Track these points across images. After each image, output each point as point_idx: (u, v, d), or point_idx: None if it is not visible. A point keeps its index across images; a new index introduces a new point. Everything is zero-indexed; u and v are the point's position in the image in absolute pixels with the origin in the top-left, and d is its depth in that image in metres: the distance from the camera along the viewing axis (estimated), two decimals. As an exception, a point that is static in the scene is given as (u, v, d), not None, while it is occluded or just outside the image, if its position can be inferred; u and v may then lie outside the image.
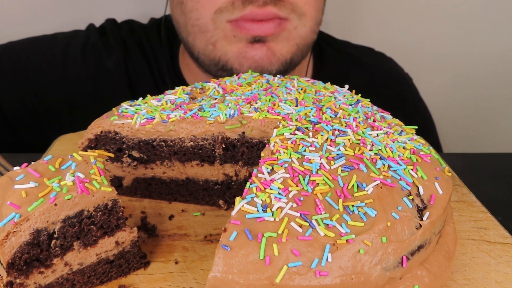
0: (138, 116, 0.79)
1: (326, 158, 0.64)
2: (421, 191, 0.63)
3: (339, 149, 0.66)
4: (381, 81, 1.38)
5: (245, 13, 1.05)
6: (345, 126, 0.72)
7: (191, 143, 0.79)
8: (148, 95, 0.86)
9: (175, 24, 1.22)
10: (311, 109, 0.75)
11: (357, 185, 0.60)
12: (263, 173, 0.62)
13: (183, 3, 1.13)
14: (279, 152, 0.66)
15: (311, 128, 0.71)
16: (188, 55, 1.23)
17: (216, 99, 0.82)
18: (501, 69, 1.71)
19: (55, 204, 0.58)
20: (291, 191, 0.58)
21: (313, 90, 0.83)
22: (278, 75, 0.90)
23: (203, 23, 1.10)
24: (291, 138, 0.68)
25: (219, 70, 1.15)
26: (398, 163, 0.65)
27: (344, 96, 0.82)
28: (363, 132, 0.71)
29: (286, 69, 1.15)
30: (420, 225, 0.59)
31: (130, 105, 0.83)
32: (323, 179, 0.60)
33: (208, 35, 1.11)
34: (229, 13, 1.06)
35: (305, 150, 0.66)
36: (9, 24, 1.47)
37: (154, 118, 0.78)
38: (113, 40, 1.29)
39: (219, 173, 0.83)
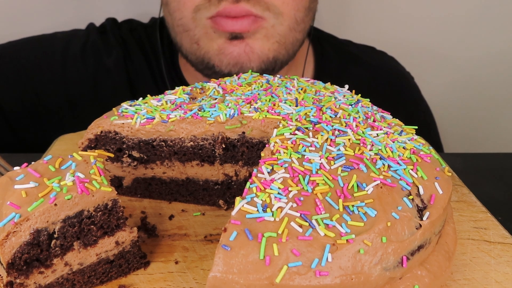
0: (138, 116, 0.79)
1: (326, 158, 0.64)
2: (421, 191, 0.63)
3: (339, 149, 0.66)
4: (383, 80, 1.38)
5: (220, 9, 1.08)
6: (345, 126, 0.72)
7: (191, 143, 0.79)
8: (148, 95, 0.86)
9: (166, 25, 1.24)
10: (311, 109, 0.75)
11: (357, 185, 0.60)
12: (263, 173, 0.62)
13: (168, 3, 1.16)
14: (279, 152, 0.66)
15: (311, 128, 0.71)
16: None
17: (216, 99, 0.82)
18: (502, 69, 1.71)
19: (55, 204, 0.58)
20: (291, 191, 0.58)
21: (313, 90, 0.83)
22: (278, 75, 0.90)
23: (185, 22, 1.13)
24: (291, 138, 0.68)
25: (205, 68, 1.17)
26: (398, 163, 0.65)
27: (344, 96, 0.82)
28: (363, 132, 0.71)
29: (271, 68, 1.16)
30: (420, 225, 0.59)
31: (130, 105, 0.83)
32: (323, 179, 0.60)
33: (191, 34, 1.14)
34: (206, 10, 1.09)
35: (305, 150, 0.66)
36: (9, 24, 1.47)
37: (154, 118, 0.78)
38: (113, 39, 1.29)
39: (219, 173, 0.83)
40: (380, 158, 0.65)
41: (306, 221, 0.55)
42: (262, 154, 0.67)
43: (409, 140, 0.71)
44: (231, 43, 1.12)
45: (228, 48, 1.12)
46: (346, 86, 0.88)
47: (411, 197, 0.61)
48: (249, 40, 1.12)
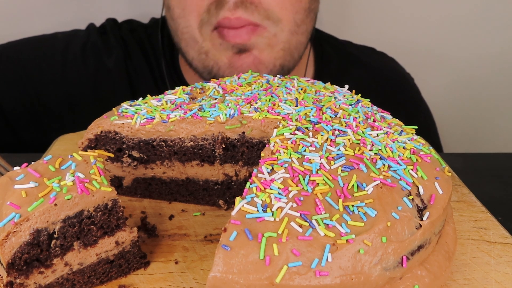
0: (138, 116, 0.79)
1: (326, 158, 0.64)
2: (421, 191, 0.63)
3: (339, 149, 0.66)
4: (383, 81, 1.38)
5: (220, 19, 1.08)
6: (345, 126, 0.72)
7: (191, 143, 0.79)
8: (148, 95, 0.86)
9: (168, 27, 1.24)
10: (311, 109, 0.75)
11: (357, 185, 0.60)
12: (263, 173, 0.62)
13: (171, 8, 1.15)
14: (279, 152, 0.66)
15: (311, 128, 0.71)
16: None
17: (216, 99, 0.82)
18: (502, 70, 1.71)
19: (55, 204, 0.58)
20: (291, 191, 0.58)
21: (313, 90, 0.83)
22: (278, 75, 0.91)
23: (192, 33, 1.13)
24: (291, 138, 0.68)
25: (212, 78, 1.17)
26: (398, 163, 0.65)
27: (344, 96, 0.82)
28: (363, 132, 0.71)
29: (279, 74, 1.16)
30: (420, 225, 0.59)
31: (130, 105, 0.83)
32: (323, 179, 0.60)
33: (199, 45, 1.15)
34: (209, 22, 1.10)
35: (305, 150, 0.66)
36: (9, 24, 1.47)
37: (154, 118, 0.78)
38: (114, 39, 1.29)
39: (219, 173, 0.83)
40: (380, 158, 0.65)
41: (306, 221, 0.55)
42: (262, 154, 0.67)
43: (409, 140, 0.71)
44: (239, 57, 1.13)
45: (237, 62, 1.13)
46: (346, 86, 0.88)
47: (411, 197, 0.61)
48: (255, 51, 1.12)
